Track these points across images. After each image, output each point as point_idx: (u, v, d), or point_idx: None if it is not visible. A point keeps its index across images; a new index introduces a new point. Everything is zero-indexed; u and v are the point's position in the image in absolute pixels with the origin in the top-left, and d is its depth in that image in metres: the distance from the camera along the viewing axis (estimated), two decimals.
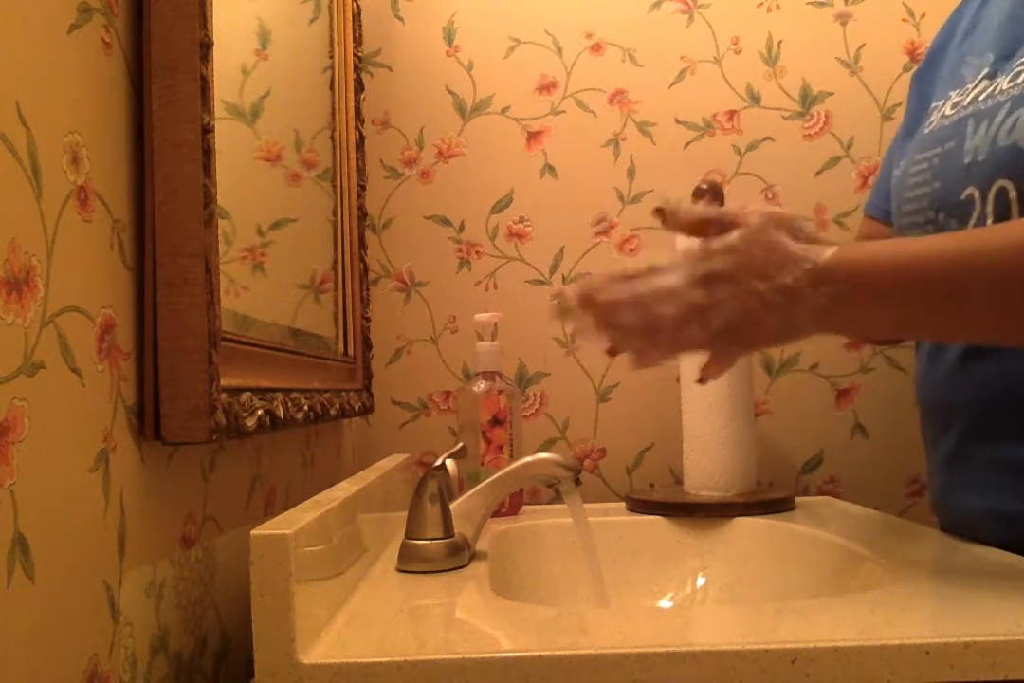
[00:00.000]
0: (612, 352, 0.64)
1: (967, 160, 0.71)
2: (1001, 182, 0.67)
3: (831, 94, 1.17)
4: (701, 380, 0.65)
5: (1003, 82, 0.70)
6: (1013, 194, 0.66)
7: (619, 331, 0.61)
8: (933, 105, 0.80)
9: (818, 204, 1.16)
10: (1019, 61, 0.69)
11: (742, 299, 0.58)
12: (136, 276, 0.53)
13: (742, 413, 0.99)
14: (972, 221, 0.70)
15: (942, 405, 0.78)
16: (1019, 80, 0.68)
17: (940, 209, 0.74)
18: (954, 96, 0.77)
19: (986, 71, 0.73)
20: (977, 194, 0.69)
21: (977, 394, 0.73)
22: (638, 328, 0.60)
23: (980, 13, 0.80)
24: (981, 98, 0.72)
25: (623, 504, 1.02)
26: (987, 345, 0.69)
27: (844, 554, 0.75)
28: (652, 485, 1.14)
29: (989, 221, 0.68)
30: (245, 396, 0.62)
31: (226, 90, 0.66)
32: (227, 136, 0.62)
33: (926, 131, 0.79)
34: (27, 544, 0.40)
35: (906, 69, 1.15)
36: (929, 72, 0.86)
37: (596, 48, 1.17)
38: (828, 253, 0.58)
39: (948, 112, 0.76)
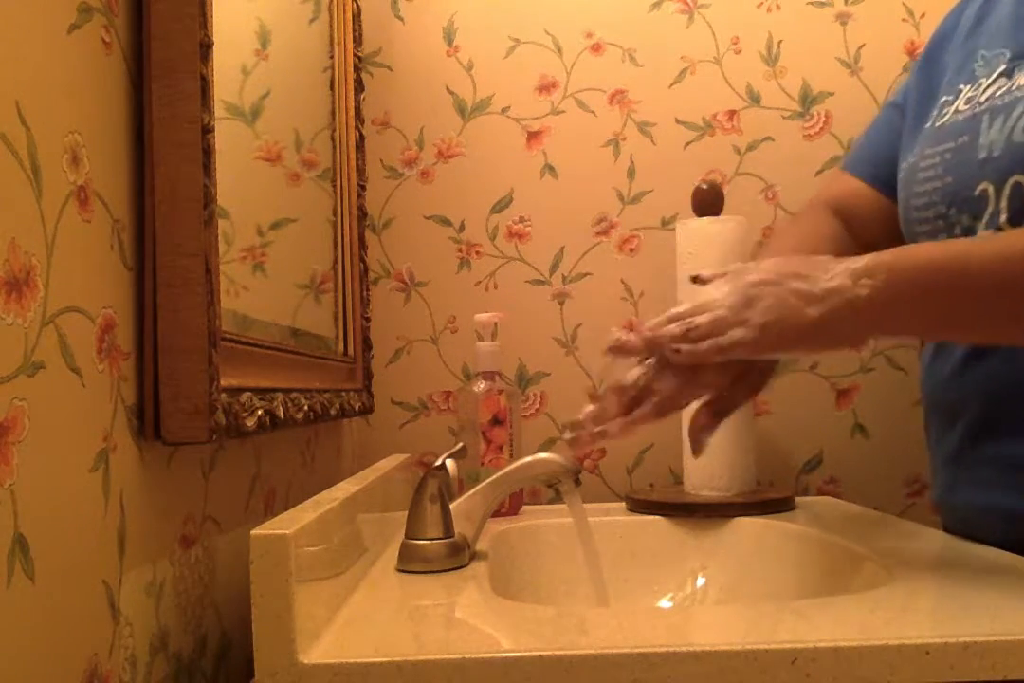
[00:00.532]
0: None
1: (982, 155, 0.70)
2: (1017, 177, 0.67)
3: (831, 94, 1.17)
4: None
5: (1020, 78, 0.70)
6: None
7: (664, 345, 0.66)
8: (943, 99, 0.79)
9: None
10: None
11: (781, 295, 0.62)
12: (136, 276, 0.53)
13: (742, 413, 0.98)
14: (986, 216, 0.70)
15: (946, 402, 0.78)
16: None
17: (952, 204, 0.73)
18: (967, 91, 0.76)
19: (1003, 68, 0.73)
20: (991, 189, 0.69)
21: (981, 391, 0.73)
22: (678, 334, 0.65)
23: (986, 6, 0.80)
24: (998, 94, 0.71)
25: (623, 504, 1.02)
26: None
27: (844, 554, 0.75)
28: (652, 485, 1.14)
29: (1003, 217, 0.68)
30: (245, 396, 0.62)
31: (226, 90, 0.66)
32: (227, 136, 0.62)
33: (936, 125, 0.78)
34: (27, 544, 0.40)
35: (906, 69, 1.15)
36: (933, 64, 0.85)
37: (596, 48, 1.17)
38: (863, 259, 0.62)
39: (962, 107, 0.75)
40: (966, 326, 0.63)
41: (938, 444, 0.81)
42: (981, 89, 0.74)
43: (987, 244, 0.64)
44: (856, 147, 0.98)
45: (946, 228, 0.74)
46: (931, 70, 0.85)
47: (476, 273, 1.17)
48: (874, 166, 0.90)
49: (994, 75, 0.73)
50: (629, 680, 0.48)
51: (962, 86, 0.77)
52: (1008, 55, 0.73)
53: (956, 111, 0.76)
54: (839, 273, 0.61)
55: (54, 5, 0.45)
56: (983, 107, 0.72)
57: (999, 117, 0.69)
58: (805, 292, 0.62)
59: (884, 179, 0.87)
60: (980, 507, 0.74)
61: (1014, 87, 0.70)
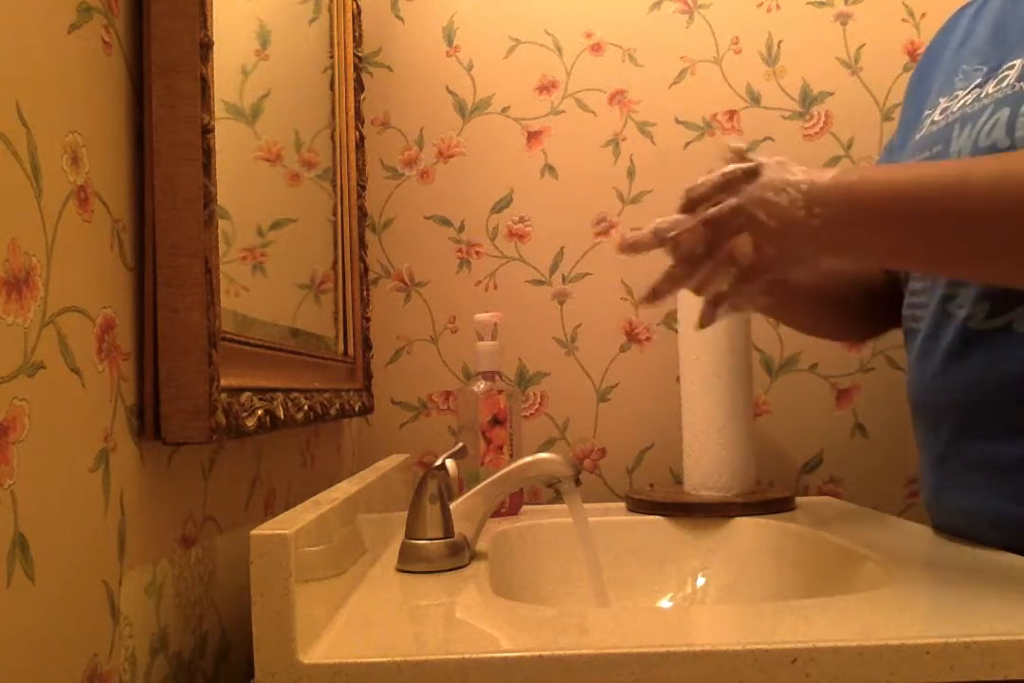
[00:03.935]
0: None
1: None
2: None
3: (831, 94, 1.17)
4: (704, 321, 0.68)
5: (989, 87, 0.71)
6: None
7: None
8: (926, 113, 0.81)
9: None
10: (1005, 66, 0.71)
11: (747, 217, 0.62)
12: (136, 276, 0.53)
13: (742, 413, 0.99)
14: None
15: (930, 405, 0.78)
16: (1003, 84, 0.69)
17: None
18: (943, 103, 0.78)
19: (978, 81, 0.74)
20: None
21: (963, 394, 0.73)
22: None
23: (974, 23, 0.81)
24: (968, 103, 0.73)
25: (623, 504, 1.02)
26: (978, 279, 0.68)
27: (844, 554, 0.75)
28: (652, 485, 1.14)
29: None
30: (245, 396, 0.62)
31: (226, 90, 0.66)
32: (227, 136, 0.62)
33: (917, 137, 0.80)
34: (27, 544, 0.40)
35: (906, 69, 1.15)
36: (923, 82, 0.87)
37: (596, 48, 1.17)
38: (828, 175, 0.61)
39: (937, 118, 0.77)
40: (925, 255, 0.63)
41: (924, 447, 0.81)
42: (956, 100, 0.75)
43: (951, 171, 0.62)
44: None
45: None
46: (920, 89, 0.87)
47: (476, 273, 1.17)
48: None
49: (970, 87, 0.74)
50: (629, 680, 0.48)
51: (941, 99, 0.79)
52: (984, 70, 0.74)
53: (932, 122, 0.78)
54: (798, 200, 0.61)
55: (54, 5, 0.45)
56: (955, 117, 0.74)
57: (968, 125, 0.71)
58: (763, 223, 0.62)
59: None
60: (965, 510, 0.74)
61: (983, 95, 0.71)
